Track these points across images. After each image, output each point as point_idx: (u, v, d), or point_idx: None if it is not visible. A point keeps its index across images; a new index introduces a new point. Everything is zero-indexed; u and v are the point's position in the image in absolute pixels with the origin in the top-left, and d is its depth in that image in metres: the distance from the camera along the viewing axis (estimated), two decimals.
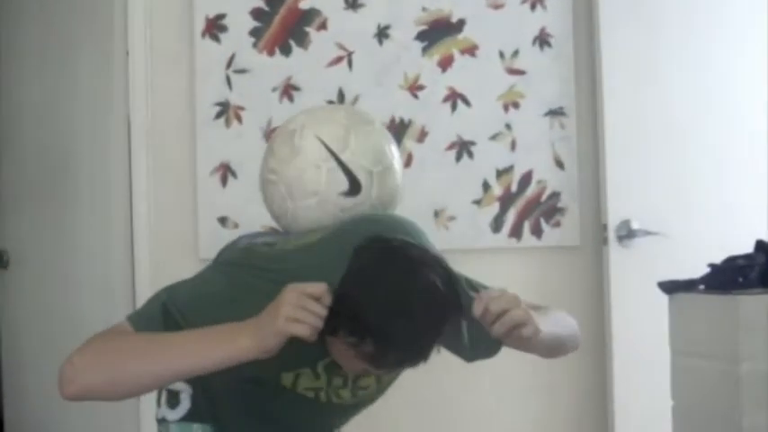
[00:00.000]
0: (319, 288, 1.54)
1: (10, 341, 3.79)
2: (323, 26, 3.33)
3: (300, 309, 1.52)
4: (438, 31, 3.41)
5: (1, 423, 3.85)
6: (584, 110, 3.49)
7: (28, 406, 3.57)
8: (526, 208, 3.46)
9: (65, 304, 3.52)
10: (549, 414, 3.49)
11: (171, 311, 1.65)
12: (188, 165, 3.26)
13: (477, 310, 1.59)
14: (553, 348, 1.82)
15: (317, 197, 1.82)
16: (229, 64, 3.27)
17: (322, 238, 1.71)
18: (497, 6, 3.43)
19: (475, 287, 1.84)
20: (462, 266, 3.54)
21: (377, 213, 1.80)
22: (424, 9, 3.39)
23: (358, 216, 1.76)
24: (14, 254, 3.73)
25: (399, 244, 1.62)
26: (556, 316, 1.85)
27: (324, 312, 1.54)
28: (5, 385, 3.83)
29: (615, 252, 3.37)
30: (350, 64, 3.34)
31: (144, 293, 3.18)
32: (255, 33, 3.29)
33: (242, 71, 3.27)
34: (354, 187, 1.81)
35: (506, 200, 3.45)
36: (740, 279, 2.57)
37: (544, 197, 3.48)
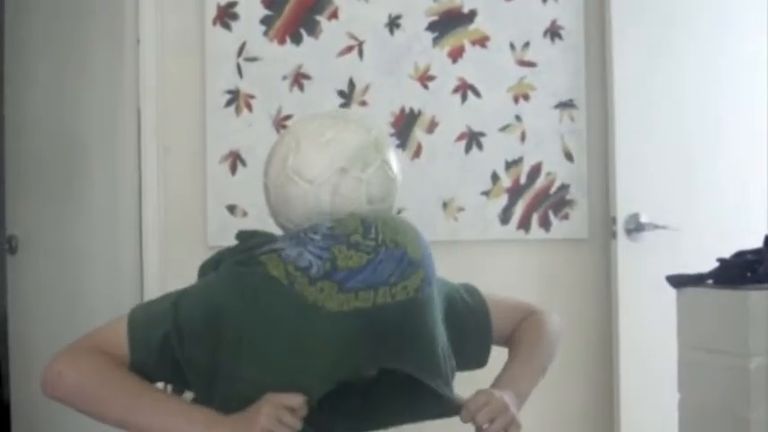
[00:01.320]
0: (297, 400, 1.59)
1: (18, 326, 3.79)
2: (334, 15, 3.31)
3: (277, 422, 1.57)
4: (449, 22, 3.39)
5: (8, 407, 3.85)
6: (595, 102, 3.48)
7: (35, 390, 3.57)
8: (535, 200, 3.45)
9: (73, 290, 3.52)
10: (555, 407, 3.47)
11: (170, 344, 1.67)
12: (198, 153, 3.26)
13: (464, 418, 1.70)
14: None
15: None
16: (240, 52, 3.26)
17: (336, 311, 1.64)
18: None
19: (473, 295, 1.91)
20: (470, 258, 3.54)
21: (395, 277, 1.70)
22: None
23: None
24: (23, 239, 3.73)
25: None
26: (539, 349, 1.94)
27: (299, 426, 1.59)
28: (13, 370, 3.83)
29: (623, 245, 3.36)
30: (360, 53, 3.33)
31: (152, 281, 3.18)
32: (266, 22, 3.27)
33: (253, 59, 3.26)
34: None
35: (515, 192, 3.44)
36: (749, 274, 2.56)
37: (553, 189, 3.47)
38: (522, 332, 1.95)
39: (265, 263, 1.67)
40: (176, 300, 1.70)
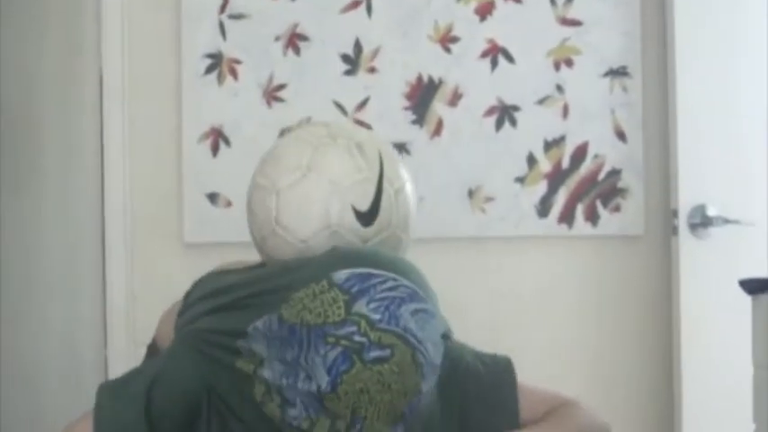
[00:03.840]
0: None
1: None
2: None
3: None
4: None
5: None
6: (652, 70, 3.47)
7: None
8: (580, 188, 3.45)
9: (19, 294, 3.51)
10: None
11: None
12: (172, 130, 3.26)
13: None
14: None
15: None
16: (223, 8, 3.26)
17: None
18: None
19: (493, 365, 1.90)
20: (500, 258, 3.51)
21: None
22: None
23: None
24: None
25: None
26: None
27: None
28: None
29: (687, 243, 3.35)
30: (369, 9, 3.33)
31: (117, 288, 3.17)
32: None
33: (238, 16, 3.26)
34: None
35: (556, 178, 3.43)
36: None
37: (602, 175, 3.46)
38: (546, 415, 1.93)
39: (241, 363, 1.76)
40: (149, 390, 1.78)
